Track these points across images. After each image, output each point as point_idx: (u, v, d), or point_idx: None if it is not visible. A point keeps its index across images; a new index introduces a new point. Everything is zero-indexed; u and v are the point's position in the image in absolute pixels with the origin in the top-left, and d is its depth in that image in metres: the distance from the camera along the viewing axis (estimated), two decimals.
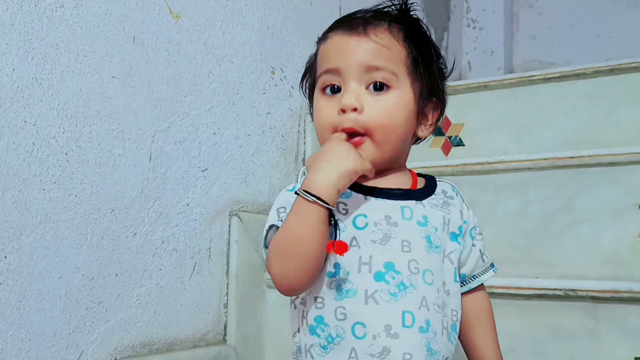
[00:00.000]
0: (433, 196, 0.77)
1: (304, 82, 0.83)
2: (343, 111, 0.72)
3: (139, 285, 1.06)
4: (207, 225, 1.19)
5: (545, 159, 1.34)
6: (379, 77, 0.72)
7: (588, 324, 1.02)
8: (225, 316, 1.22)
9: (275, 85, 1.38)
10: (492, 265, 0.83)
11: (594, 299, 1.01)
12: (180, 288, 1.14)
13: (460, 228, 0.78)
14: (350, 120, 0.72)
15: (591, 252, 1.25)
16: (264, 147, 1.35)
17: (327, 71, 0.74)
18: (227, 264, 1.23)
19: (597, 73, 1.56)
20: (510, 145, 1.61)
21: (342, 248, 0.68)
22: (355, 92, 0.72)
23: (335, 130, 0.73)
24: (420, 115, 0.77)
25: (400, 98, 0.73)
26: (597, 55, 2.04)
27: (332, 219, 0.70)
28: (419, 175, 0.80)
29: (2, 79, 0.87)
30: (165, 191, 1.12)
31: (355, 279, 0.71)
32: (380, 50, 0.72)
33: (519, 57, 2.61)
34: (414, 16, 0.78)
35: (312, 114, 0.80)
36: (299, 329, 0.75)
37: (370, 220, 0.72)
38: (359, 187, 0.74)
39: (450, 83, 1.87)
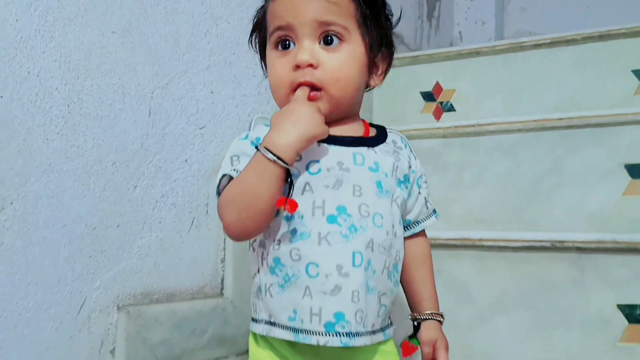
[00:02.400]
0: (384, 144, 0.81)
1: (253, 38, 0.85)
2: (298, 67, 0.75)
3: (139, 237, 1.08)
4: (204, 181, 1.22)
5: (535, 121, 1.38)
6: (330, 31, 0.75)
7: (574, 275, 1.06)
8: (223, 270, 1.25)
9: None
10: (434, 211, 0.88)
11: (579, 250, 1.05)
12: (179, 242, 1.16)
13: (405, 176, 0.82)
14: (306, 75, 0.75)
15: (579, 212, 1.30)
16: (259, 108, 1.37)
17: (279, 27, 0.77)
18: None
19: (587, 39, 1.59)
20: (501, 111, 1.64)
21: (293, 207, 0.71)
22: (309, 48, 0.75)
23: (292, 85, 0.76)
24: (371, 65, 0.80)
25: (352, 52, 0.77)
26: (587, 27, 2.07)
27: (289, 177, 0.73)
28: (371, 125, 0.84)
29: (6, 30, 0.88)
30: (164, 147, 1.14)
31: (309, 222, 0.75)
32: (330, 6, 0.75)
33: (510, 28, 2.63)
34: None
35: (263, 69, 0.83)
36: (258, 269, 0.79)
37: (323, 166, 0.76)
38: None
39: (441, 49, 1.90)
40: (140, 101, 1.09)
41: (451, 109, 1.73)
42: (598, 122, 1.32)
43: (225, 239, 1.26)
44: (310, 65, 0.75)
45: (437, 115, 1.75)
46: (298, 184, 0.75)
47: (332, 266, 0.73)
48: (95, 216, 1.00)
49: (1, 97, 0.87)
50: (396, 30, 2.04)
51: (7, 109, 0.88)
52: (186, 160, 1.18)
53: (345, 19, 0.76)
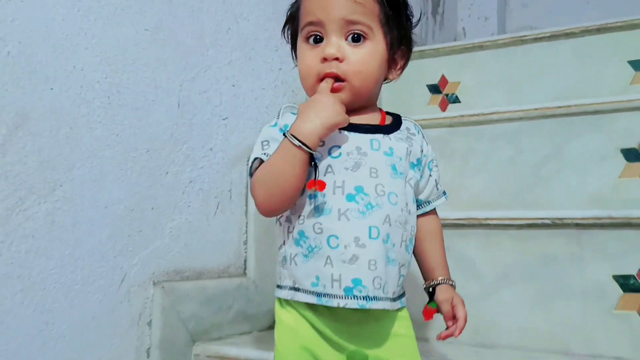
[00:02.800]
0: (398, 131, 0.89)
1: (286, 29, 0.94)
2: (325, 59, 0.83)
3: (171, 219, 1.17)
4: (228, 169, 1.31)
5: (536, 109, 1.46)
6: (356, 30, 0.83)
7: (573, 249, 1.14)
8: (245, 252, 1.34)
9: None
10: (444, 192, 0.96)
11: (578, 226, 1.14)
12: (206, 224, 1.25)
13: (418, 160, 0.90)
14: (332, 67, 0.83)
15: (578, 194, 1.38)
16: (276, 100, 1.46)
17: (311, 23, 0.85)
18: (246, 204, 1.34)
19: (585, 32, 1.67)
20: (504, 102, 1.72)
21: (322, 186, 0.80)
22: (336, 43, 0.83)
23: (319, 76, 0.84)
24: (391, 61, 0.88)
25: (374, 48, 0.84)
26: (586, 21, 2.15)
27: (312, 161, 0.81)
28: (387, 113, 0.92)
29: (54, 29, 0.97)
30: (192, 136, 1.23)
31: (330, 200, 0.83)
32: (357, 6, 0.83)
33: (512, 23, 2.71)
34: None
35: (294, 58, 0.92)
36: (284, 241, 0.87)
37: (344, 151, 0.84)
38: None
39: (447, 44, 1.98)
40: (170, 93, 1.18)
41: (456, 100, 1.82)
42: (596, 110, 1.40)
43: (247, 222, 1.35)
44: (336, 59, 0.83)
45: (443, 106, 1.84)
46: (321, 166, 0.84)
47: (350, 238, 0.82)
48: (133, 199, 1.09)
49: (51, 89, 0.96)
50: None
51: (57, 100, 0.97)
52: (211, 149, 1.27)
53: (370, 19, 0.84)
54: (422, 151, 0.91)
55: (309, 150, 0.79)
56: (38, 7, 0.95)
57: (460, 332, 0.89)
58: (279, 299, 0.89)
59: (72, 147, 0.99)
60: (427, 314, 0.92)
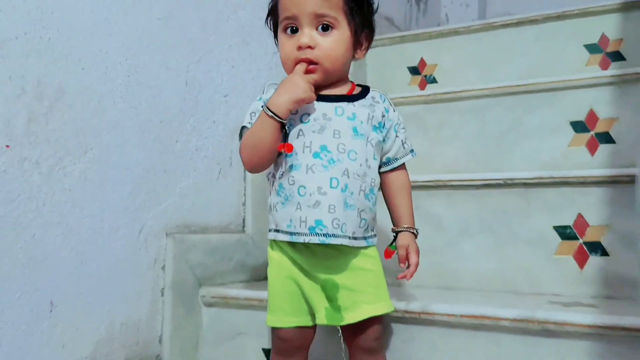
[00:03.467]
0: (363, 100, 1.09)
1: (268, 20, 1.14)
2: (300, 48, 1.03)
3: (180, 181, 1.37)
4: (229, 139, 1.51)
5: (499, 87, 1.66)
6: (324, 21, 1.03)
7: (521, 205, 1.35)
8: (244, 212, 1.55)
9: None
10: (411, 151, 1.15)
11: (525, 185, 1.34)
12: (210, 187, 1.46)
13: (380, 123, 1.09)
14: (306, 53, 1.03)
15: (533, 161, 1.58)
16: (271, 80, 1.65)
17: (287, 18, 1.05)
18: (244, 171, 1.54)
19: (547, 19, 1.87)
20: (477, 82, 1.91)
21: (289, 149, 1.02)
22: (308, 34, 1.03)
23: (295, 60, 1.04)
24: (356, 43, 1.08)
25: (341, 35, 1.05)
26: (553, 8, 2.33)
27: (283, 129, 1.02)
28: (359, 85, 1.12)
29: (85, 19, 1.17)
30: (197, 110, 1.42)
31: (300, 158, 1.03)
32: (324, 2, 1.03)
33: (492, 10, 2.90)
34: None
35: (277, 45, 1.11)
36: (270, 193, 1.09)
37: (312, 117, 1.04)
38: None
39: (426, 29, 2.18)
40: (178, 74, 1.38)
41: (434, 81, 2.02)
42: (550, 88, 1.60)
43: (245, 187, 1.56)
44: (309, 47, 1.03)
45: (422, 86, 2.04)
46: (294, 131, 1.05)
47: (314, 188, 1.02)
48: (149, 162, 1.30)
49: (83, 69, 1.16)
50: (387, 13, 2.39)
51: (87, 78, 1.17)
52: (214, 122, 1.47)
53: (335, 12, 1.04)
54: (383, 116, 1.10)
55: (279, 119, 1.00)
56: (72, 0, 1.15)
57: (411, 277, 1.09)
58: (270, 242, 1.10)
59: (100, 118, 1.19)
60: (387, 254, 1.12)
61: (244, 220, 1.55)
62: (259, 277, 1.53)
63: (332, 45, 1.04)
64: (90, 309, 1.17)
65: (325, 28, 1.04)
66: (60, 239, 1.12)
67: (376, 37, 1.14)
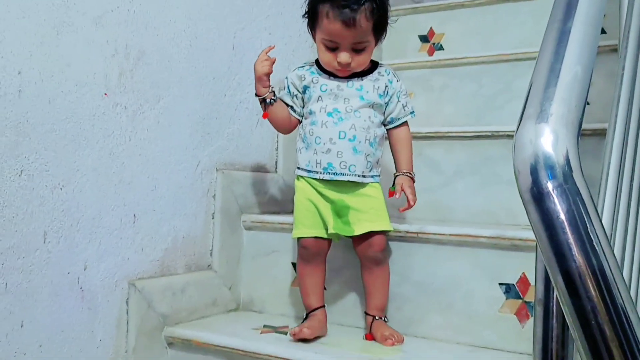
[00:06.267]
0: (371, 75, 1.42)
1: (307, 15, 1.42)
2: (340, 63, 1.35)
3: (227, 127, 1.69)
4: None
5: (494, 55, 1.94)
6: (359, 47, 1.35)
7: (504, 152, 1.65)
8: (276, 156, 1.87)
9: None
10: (412, 112, 1.46)
11: (508, 136, 1.64)
12: (250, 133, 1.77)
13: (384, 91, 1.41)
14: (344, 66, 1.35)
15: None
16: (300, 46, 1.95)
17: (329, 40, 1.35)
18: None
19: None
20: (479, 49, 2.19)
21: (265, 116, 1.41)
22: (347, 55, 1.35)
23: (335, 68, 1.38)
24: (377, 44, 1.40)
25: (370, 50, 1.38)
26: None
27: (264, 102, 1.39)
28: (372, 62, 1.43)
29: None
30: (241, 70, 1.73)
31: (319, 117, 1.39)
32: (361, 34, 1.33)
33: None
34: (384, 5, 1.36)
35: (310, 34, 1.43)
36: (297, 139, 1.44)
37: (329, 88, 1.39)
38: (332, 74, 1.40)
39: (435, 3, 2.46)
40: (227, 39, 1.68)
41: (441, 48, 2.30)
42: (537, 56, 1.88)
43: (278, 135, 1.87)
44: (347, 64, 1.35)
45: (430, 53, 2.32)
46: (315, 96, 1.40)
47: (327, 138, 1.37)
48: (204, 111, 1.61)
49: (157, 35, 1.47)
50: None
51: (160, 42, 1.48)
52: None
53: (368, 37, 1.34)
54: (386, 86, 1.42)
55: (259, 97, 1.38)
56: None
57: (406, 209, 1.40)
58: (296, 176, 1.43)
59: (169, 74, 1.51)
60: (390, 194, 1.44)
61: (276, 162, 1.87)
62: (288, 210, 1.85)
63: (364, 59, 1.37)
64: (161, 224, 1.50)
65: (360, 50, 1.35)
66: (140, 167, 1.44)
67: (392, 8, 1.43)
